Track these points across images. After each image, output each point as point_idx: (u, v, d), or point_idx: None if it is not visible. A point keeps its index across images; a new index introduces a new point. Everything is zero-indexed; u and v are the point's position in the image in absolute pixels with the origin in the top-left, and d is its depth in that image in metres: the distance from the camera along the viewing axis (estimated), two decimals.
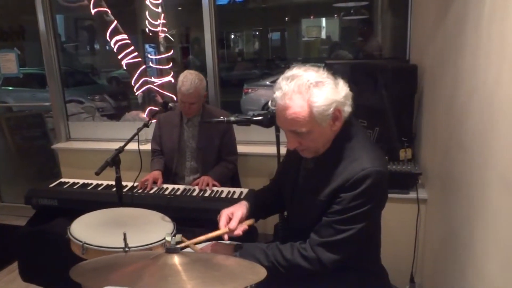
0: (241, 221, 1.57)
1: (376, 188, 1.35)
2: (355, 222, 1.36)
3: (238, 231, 1.54)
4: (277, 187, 1.74)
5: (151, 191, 2.52)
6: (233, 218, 1.55)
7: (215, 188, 2.54)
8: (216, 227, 1.55)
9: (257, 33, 9.93)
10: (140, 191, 2.51)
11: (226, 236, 1.54)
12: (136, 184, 2.48)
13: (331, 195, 1.39)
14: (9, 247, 2.90)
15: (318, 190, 1.42)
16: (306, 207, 1.47)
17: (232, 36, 9.83)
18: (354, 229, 1.36)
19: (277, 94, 1.35)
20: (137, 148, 2.19)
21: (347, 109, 1.39)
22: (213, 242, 1.62)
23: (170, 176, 2.78)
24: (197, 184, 2.56)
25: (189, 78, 2.57)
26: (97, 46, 8.18)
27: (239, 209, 1.60)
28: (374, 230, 1.53)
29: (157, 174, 2.67)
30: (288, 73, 1.37)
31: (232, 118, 1.89)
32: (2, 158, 4.36)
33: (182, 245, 1.43)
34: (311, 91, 1.31)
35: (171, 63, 3.98)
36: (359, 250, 1.43)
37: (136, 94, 3.93)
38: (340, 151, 1.41)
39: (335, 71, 1.44)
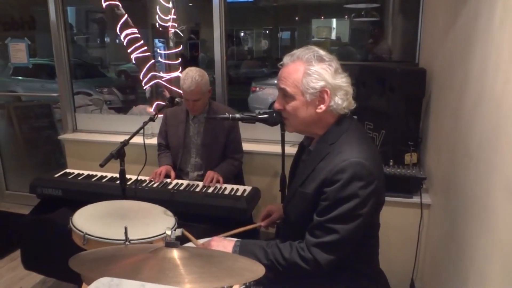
0: (271, 222, 1.89)
1: (358, 181, 1.33)
2: (344, 221, 1.35)
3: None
4: None
5: (155, 185, 2.54)
6: (269, 218, 1.88)
7: (218, 185, 2.54)
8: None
9: (267, 31, 9.91)
10: (144, 184, 2.53)
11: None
12: (140, 177, 2.49)
13: (317, 189, 1.40)
14: (13, 235, 2.92)
15: (307, 183, 1.44)
16: (297, 199, 1.50)
17: (242, 34, 9.82)
18: (345, 229, 1.35)
19: (288, 54, 1.47)
20: (142, 142, 2.20)
21: (338, 100, 1.41)
22: (214, 237, 1.63)
23: (175, 171, 2.78)
24: (207, 180, 2.55)
25: (190, 75, 2.57)
26: (107, 39, 8.22)
27: (278, 212, 1.85)
28: (369, 231, 1.50)
29: (169, 168, 2.71)
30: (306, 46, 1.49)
31: (237, 115, 1.86)
32: (9, 147, 4.38)
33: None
34: (312, 61, 1.41)
35: (179, 59, 3.99)
36: (353, 251, 1.42)
37: (144, 88, 3.95)
38: (329, 146, 1.43)
39: None
